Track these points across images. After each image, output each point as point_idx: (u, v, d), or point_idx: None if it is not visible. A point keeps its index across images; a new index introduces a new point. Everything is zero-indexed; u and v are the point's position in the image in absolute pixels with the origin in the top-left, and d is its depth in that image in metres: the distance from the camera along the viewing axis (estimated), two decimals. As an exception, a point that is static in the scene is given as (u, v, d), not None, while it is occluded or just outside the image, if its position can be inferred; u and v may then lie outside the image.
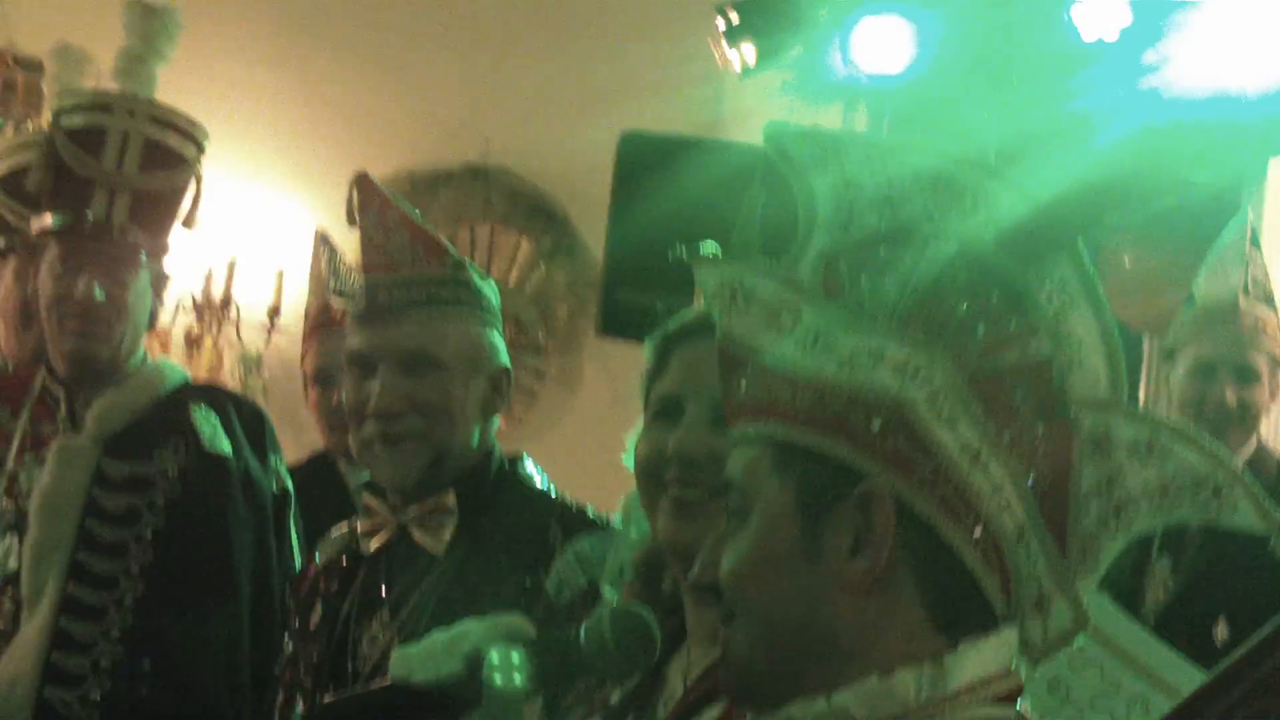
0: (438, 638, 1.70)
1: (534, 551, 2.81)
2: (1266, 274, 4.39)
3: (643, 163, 5.62)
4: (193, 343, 7.08)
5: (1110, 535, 1.55)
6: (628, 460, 4.18)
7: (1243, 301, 4.29)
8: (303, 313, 4.79)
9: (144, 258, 3.49)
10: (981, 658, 1.50)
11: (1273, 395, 4.30)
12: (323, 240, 4.67)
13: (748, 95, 5.71)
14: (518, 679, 1.62)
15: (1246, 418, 4.24)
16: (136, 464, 3.46)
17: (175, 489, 3.44)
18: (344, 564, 2.98)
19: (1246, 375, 4.24)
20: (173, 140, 3.54)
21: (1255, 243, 4.43)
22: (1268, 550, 1.55)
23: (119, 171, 3.47)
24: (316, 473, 4.41)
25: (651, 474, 2.18)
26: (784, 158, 1.64)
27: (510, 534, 2.87)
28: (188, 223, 3.58)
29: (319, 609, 2.98)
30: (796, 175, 1.64)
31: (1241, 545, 2.95)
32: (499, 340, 2.93)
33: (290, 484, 3.63)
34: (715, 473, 1.96)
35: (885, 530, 1.49)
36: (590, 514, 2.93)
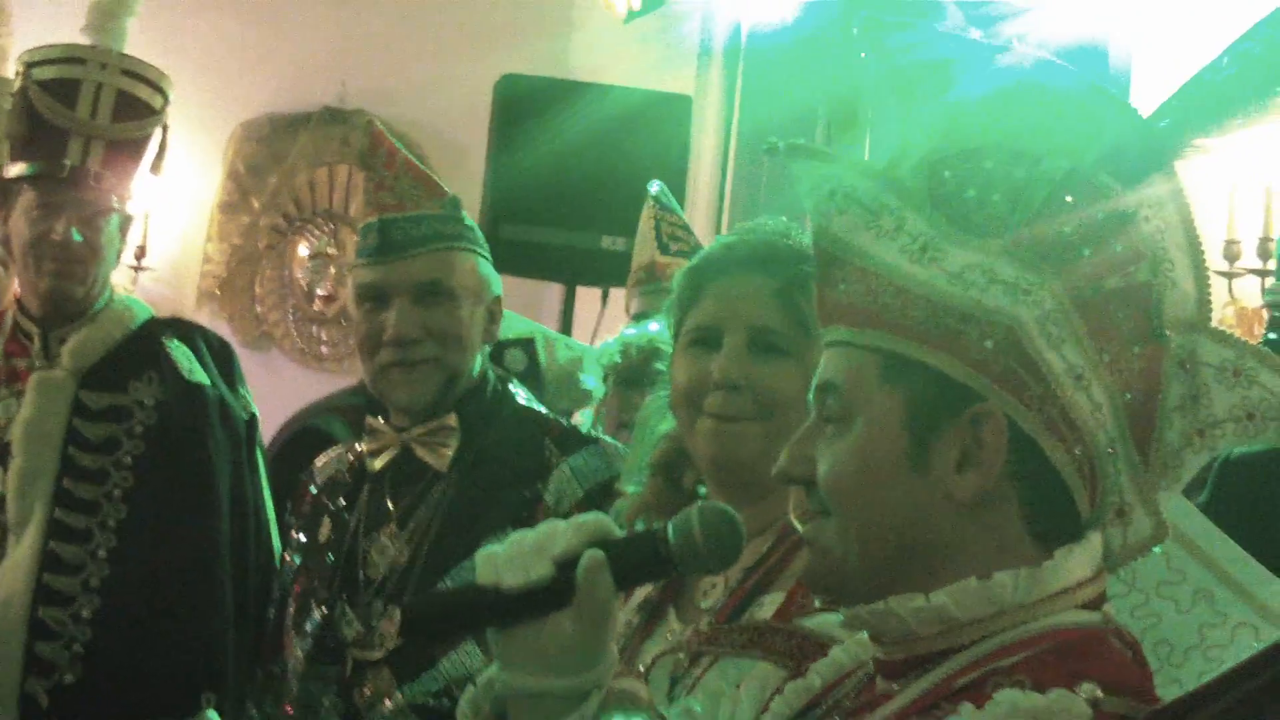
0: (524, 539, 1.65)
1: (531, 466, 3.04)
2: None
3: (521, 104, 5.87)
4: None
5: (1194, 451, 1.56)
6: (590, 382, 4.43)
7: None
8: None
9: (115, 202, 3.68)
10: (1072, 564, 1.51)
11: None
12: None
13: (619, 41, 5.98)
14: (608, 579, 1.60)
15: None
16: (113, 395, 3.66)
17: (152, 417, 3.65)
18: (348, 481, 3.20)
19: None
20: (143, 92, 3.73)
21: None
22: None
23: (93, 121, 3.65)
24: None
25: (691, 397, 2.29)
26: (884, 55, 1.60)
27: (508, 451, 3.07)
28: (154, 169, 3.79)
29: (326, 523, 3.19)
30: (899, 77, 1.60)
31: None
32: (491, 271, 3.16)
33: (256, 410, 3.87)
34: (753, 396, 2.23)
35: (996, 450, 1.49)
36: (581, 431, 3.20)
